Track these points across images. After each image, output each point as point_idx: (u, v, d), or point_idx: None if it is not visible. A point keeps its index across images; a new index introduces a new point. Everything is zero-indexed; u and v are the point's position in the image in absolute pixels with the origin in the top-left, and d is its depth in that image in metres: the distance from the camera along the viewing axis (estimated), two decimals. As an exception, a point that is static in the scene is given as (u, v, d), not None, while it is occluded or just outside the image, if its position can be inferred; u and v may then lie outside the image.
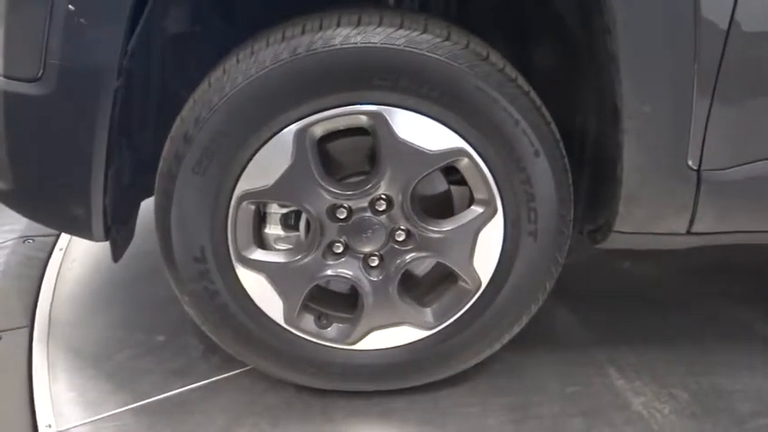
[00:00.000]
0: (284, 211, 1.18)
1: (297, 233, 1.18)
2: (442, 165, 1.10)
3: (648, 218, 1.18)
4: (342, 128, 1.11)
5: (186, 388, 1.33)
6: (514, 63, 1.11)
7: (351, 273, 1.18)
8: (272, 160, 1.09)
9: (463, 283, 1.19)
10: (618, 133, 1.08)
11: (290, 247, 1.19)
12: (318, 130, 1.09)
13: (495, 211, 1.13)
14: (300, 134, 1.08)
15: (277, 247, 1.19)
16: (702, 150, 1.10)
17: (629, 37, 1.01)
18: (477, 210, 1.14)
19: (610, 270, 1.75)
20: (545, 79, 1.19)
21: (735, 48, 1.03)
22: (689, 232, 1.19)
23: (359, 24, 1.04)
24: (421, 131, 1.08)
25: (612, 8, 1.00)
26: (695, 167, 1.11)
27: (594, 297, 1.64)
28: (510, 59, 1.11)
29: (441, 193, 1.17)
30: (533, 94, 1.09)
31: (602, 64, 1.07)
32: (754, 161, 1.13)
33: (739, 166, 1.12)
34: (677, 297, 1.66)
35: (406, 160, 1.09)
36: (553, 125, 1.12)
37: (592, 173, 1.21)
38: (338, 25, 1.04)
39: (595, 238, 1.25)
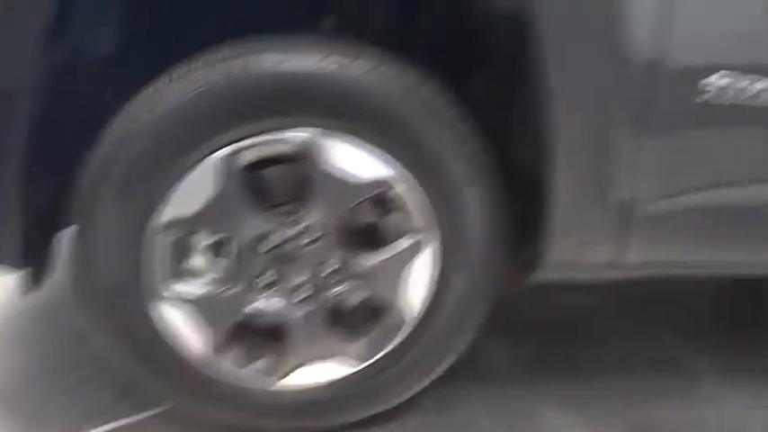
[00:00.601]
0: (209, 240, 1.14)
1: (222, 264, 1.13)
2: (372, 194, 1.08)
3: (579, 249, 1.18)
4: (272, 155, 1.08)
5: (101, 429, 1.25)
6: (451, 90, 1.11)
7: (278, 305, 1.14)
8: (198, 186, 1.05)
9: (394, 316, 1.17)
10: (548, 164, 1.10)
11: (215, 278, 1.13)
12: (248, 157, 1.06)
13: (428, 241, 1.12)
14: (229, 160, 1.05)
15: (200, 278, 1.14)
16: (631, 182, 1.11)
17: (558, 69, 1.02)
18: (408, 240, 1.12)
19: (543, 302, 1.76)
20: (482, 107, 1.21)
21: (661, 79, 1.05)
22: (619, 264, 1.21)
23: (290, 50, 1.02)
24: (351, 160, 1.06)
25: (543, 39, 1.01)
26: (624, 199, 1.13)
27: (527, 329, 1.64)
28: (447, 87, 1.11)
29: (372, 222, 1.16)
30: (468, 123, 1.09)
31: (534, 94, 1.08)
32: (683, 193, 1.15)
33: (668, 197, 1.15)
34: (610, 329, 1.67)
35: (336, 189, 1.07)
36: (488, 154, 1.12)
37: (525, 203, 1.21)
38: (270, 50, 1.02)
39: (528, 270, 1.25)
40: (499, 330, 1.56)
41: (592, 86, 1.04)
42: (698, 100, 1.06)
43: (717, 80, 1.05)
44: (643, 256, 1.21)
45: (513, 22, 1.02)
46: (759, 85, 1.07)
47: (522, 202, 1.18)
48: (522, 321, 1.67)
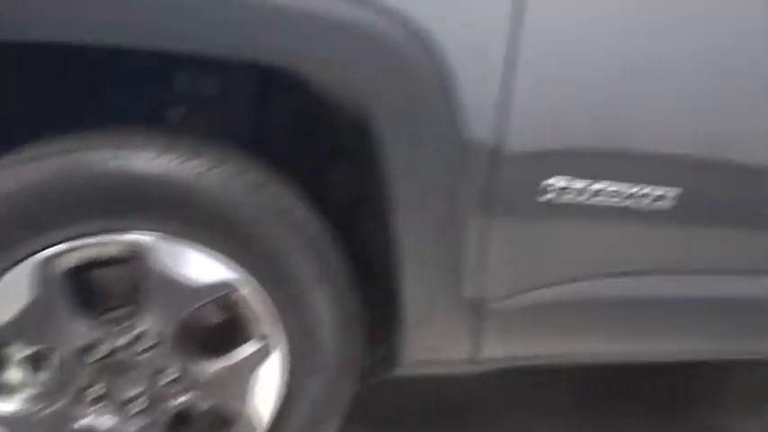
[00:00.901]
0: (28, 351, 1.02)
1: (43, 377, 1.01)
2: (212, 298, 1.01)
3: (433, 346, 1.16)
4: (100, 257, 0.99)
5: None
6: (301, 188, 1.08)
7: (110, 421, 1.02)
8: (11, 292, 0.94)
9: (243, 425, 1.08)
10: (397, 261, 1.07)
11: (34, 394, 1.01)
12: (71, 260, 0.96)
13: (275, 346, 1.05)
14: (48, 263, 0.95)
15: (17, 394, 1.01)
16: (481, 280, 1.11)
17: (399, 167, 1.00)
18: (254, 346, 1.05)
19: (413, 389, 1.72)
20: (332, 204, 1.18)
21: (505, 169, 1.05)
22: (477, 360, 1.20)
23: (123, 146, 0.95)
24: (188, 263, 0.99)
25: (382, 136, 0.99)
26: (475, 297, 1.12)
27: (398, 420, 1.59)
28: (297, 184, 1.08)
29: (214, 327, 1.08)
30: (315, 222, 1.05)
31: (381, 191, 1.06)
32: (535, 289, 1.16)
33: (520, 294, 1.15)
34: (486, 414, 1.65)
35: (172, 294, 0.99)
36: (337, 253, 1.08)
37: (378, 301, 1.18)
38: (100, 145, 0.95)
39: (385, 367, 1.21)
40: (366, 423, 1.50)
41: (434, 184, 1.03)
42: (540, 199, 1.08)
43: (556, 181, 1.08)
44: (500, 352, 1.21)
45: (357, 118, 1.01)
46: (596, 186, 1.11)
47: (376, 301, 1.16)
48: (390, 412, 1.62)
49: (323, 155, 1.21)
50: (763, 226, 1.29)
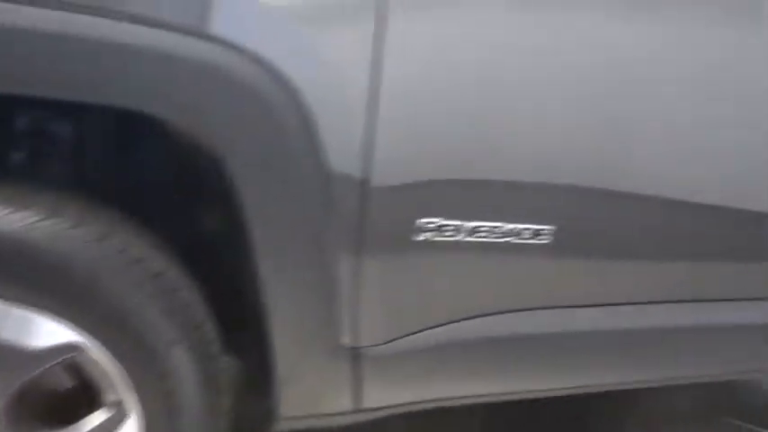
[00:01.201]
0: None
1: None
2: (53, 363, 0.90)
3: (312, 398, 1.08)
4: None
5: None
6: (156, 238, 0.98)
7: None
8: None
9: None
10: (265, 312, 1.00)
11: None
12: None
13: (128, 412, 0.95)
14: None
15: None
16: (356, 326, 1.04)
17: (256, 207, 0.93)
18: (104, 413, 0.94)
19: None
20: (195, 254, 1.10)
21: (376, 208, 0.99)
22: (360, 409, 1.13)
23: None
24: (24, 325, 0.88)
25: (239, 179, 0.91)
26: (351, 344, 1.06)
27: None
28: (152, 234, 0.99)
29: (58, 394, 0.97)
30: (170, 275, 0.96)
31: (243, 237, 0.99)
32: (417, 332, 1.11)
33: (400, 338, 1.09)
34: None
35: (5, 359, 0.88)
36: (195, 307, 0.99)
37: (247, 356, 1.10)
38: None
39: (262, 425, 1.13)
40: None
41: (298, 226, 0.96)
42: (417, 238, 1.03)
43: (432, 219, 1.03)
44: (386, 399, 1.15)
45: (214, 162, 0.94)
46: (474, 223, 1.07)
47: (245, 356, 1.08)
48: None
49: (188, 200, 1.13)
50: (651, 255, 1.29)
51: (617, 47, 1.13)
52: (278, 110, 0.90)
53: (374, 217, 0.99)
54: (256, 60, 0.89)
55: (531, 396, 1.34)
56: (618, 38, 1.13)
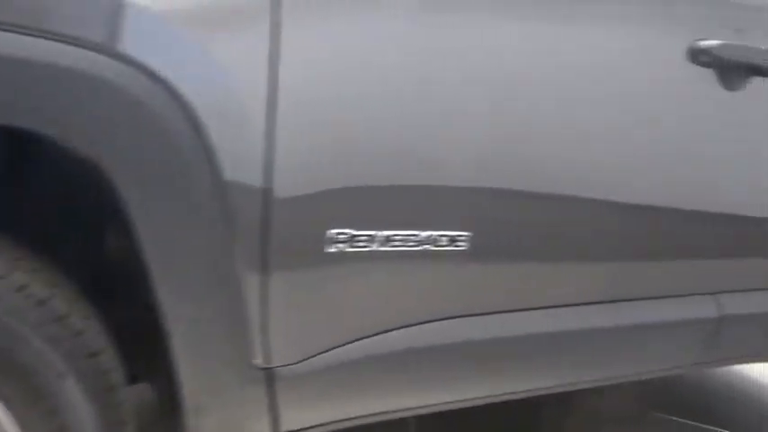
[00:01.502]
0: None
1: None
2: None
3: (227, 427, 1.02)
4: None
5: None
6: (63, 263, 0.92)
7: None
8: None
9: None
10: (167, 340, 0.93)
11: None
12: None
13: (15, 454, 0.88)
14: None
15: None
16: (267, 345, 0.99)
17: (149, 226, 0.86)
18: (-12, 457, 0.88)
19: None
20: (105, 280, 1.03)
21: (281, 220, 0.93)
22: (280, 432, 1.08)
23: None
24: None
25: (125, 195, 0.85)
26: (264, 366, 1.00)
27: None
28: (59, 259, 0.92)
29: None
30: (54, 302, 0.88)
31: (141, 259, 0.92)
32: (334, 348, 1.06)
33: (314, 356, 1.04)
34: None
35: None
36: (87, 335, 0.91)
37: (150, 386, 1.04)
38: None
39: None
40: None
41: (195, 243, 0.90)
42: (328, 249, 0.99)
43: (343, 230, 0.98)
44: (307, 420, 1.09)
45: (105, 180, 0.87)
46: (387, 232, 1.03)
47: (147, 386, 1.01)
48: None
49: (88, 224, 1.05)
50: (573, 257, 1.29)
51: (524, 48, 1.12)
52: (165, 121, 0.84)
53: (280, 229, 0.94)
54: (142, 71, 0.83)
55: (458, 406, 1.32)
56: (525, 38, 1.12)
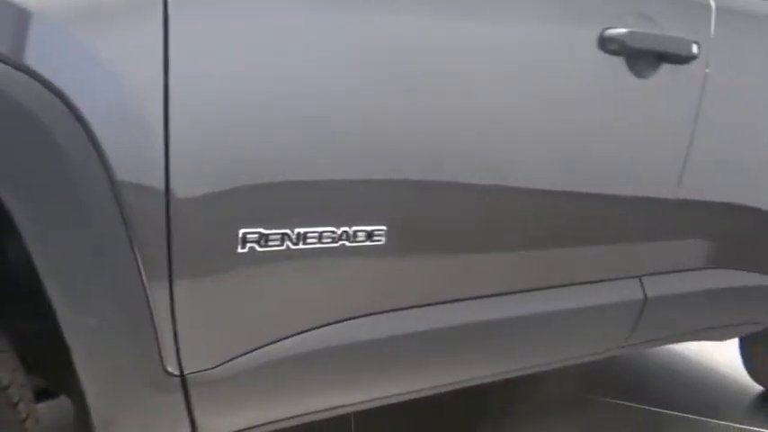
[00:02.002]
0: None
1: None
2: None
3: (145, 437, 1.00)
4: None
5: None
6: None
7: None
8: None
9: None
10: (69, 354, 0.89)
11: None
12: None
13: None
14: None
15: None
16: (179, 353, 0.96)
17: (38, 237, 0.83)
18: None
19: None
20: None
21: (186, 222, 0.91)
22: (199, 439, 1.05)
23: None
24: None
25: (12, 206, 0.80)
26: (178, 373, 0.97)
27: None
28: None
29: None
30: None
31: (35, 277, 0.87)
32: (248, 352, 1.03)
33: (231, 360, 1.02)
34: None
35: None
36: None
37: (59, 402, 1.00)
38: None
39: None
40: None
41: (92, 250, 0.87)
42: (240, 250, 0.96)
43: (254, 229, 0.97)
44: (227, 426, 1.07)
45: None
46: (299, 230, 1.02)
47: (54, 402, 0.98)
48: None
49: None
50: (496, 245, 1.29)
51: (430, 39, 1.10)
52: (52, 127, 0.80)
53: (186, 232, 0.92)
54: (29, 75, 0.79)
55: (389, 401, 1.32)
56: (431, 30, 1.11)
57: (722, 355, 2.40)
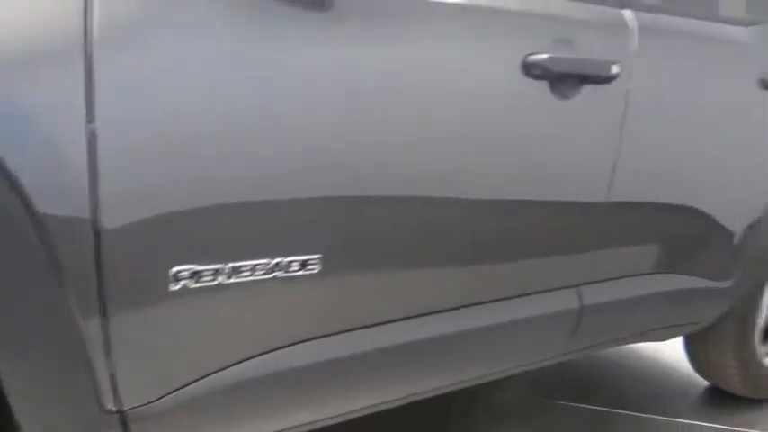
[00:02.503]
0: None
1: None
2: None
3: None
4: None
5: None
6: None
7: None
8: None
9: None
10: (5, 399, 0.90)
11: None
12: None
13: None
14: None
15: None
16: (116, 390, 0.99)
17: None
18: None
19: None
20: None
21: (114, 257, 0.92)
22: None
23: None
24: None
25: None
26: (117, 409, 1.00)
27: None
28: None
29: None
30: None
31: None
32: (187, 384, 1.05)
33: (170, 393, 1.04)
34: None
35: None
36: None
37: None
38: None
39: None
40: None
41: (23, 295, 0.88)
42: (173, 288, 0.99)
43: (185, 266, 1.00)
44: None
45: None
46: (232, 264, 1.05)
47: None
48: None
49: None
50: (435, 263, 1.33)
51: (361, 62, 1.14)
52: None
53: (116, 270, 0.94)
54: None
55: (335, 421, 1.35)
56: (362, 52, 1.14)
57: (671, 351, 2.48)
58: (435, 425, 1.98)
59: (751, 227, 1.95)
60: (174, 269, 0.99)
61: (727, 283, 1.95)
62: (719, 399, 2.33)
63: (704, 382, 2.38)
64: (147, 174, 0.95)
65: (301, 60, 1.08)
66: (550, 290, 1.55)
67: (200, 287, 1.02)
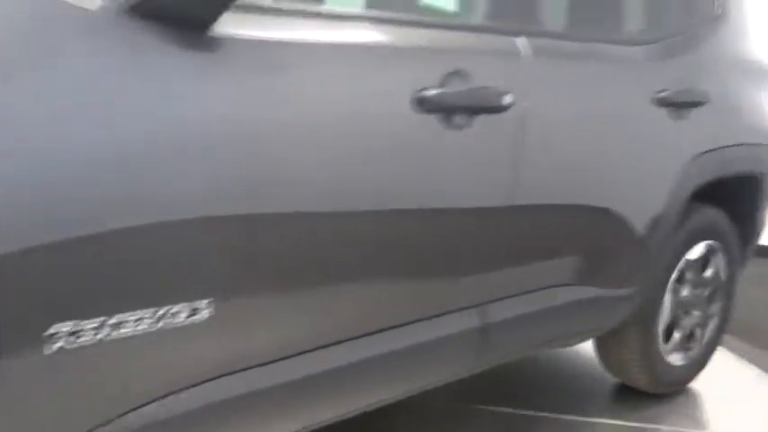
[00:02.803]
0: None
1: None
2: None
3: None
4: None
5: None
6: None
7: None
8: None
9: None
10: None
11: None
12: None
13: None
14: None
15: None
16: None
17: None
18: None
19: None
20: None
21: None
22: None
23: None
24: None
25: None
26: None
27: None
28: None
29: None
30: None
31: None
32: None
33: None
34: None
35: None
36: None
37: None
38: None
39: None
40: None
41: None
42: (48, 351, 0.97)
43: (60, 327, 0.98)
44: None
45: None
46: (114, 318, 1.03)
47: None
48: None
49: None
50: (330, 296, 1.34)
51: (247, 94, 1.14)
52: None
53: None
54: None
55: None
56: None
57: (587, 349, 2.57)
58: (357, 428, 1.99)
59: (650, 236, 2.04)
60: (52, 329, 0.96)
61: (630, 291, 2.05)
62: (628, 395, 2.44)
63: (615, 379, 2.49)
64: (14, 227, 0.91)
65: (179, 101, 1.06)
66: (451, 312, 1.58)
67: (80, 346, 1.00)
